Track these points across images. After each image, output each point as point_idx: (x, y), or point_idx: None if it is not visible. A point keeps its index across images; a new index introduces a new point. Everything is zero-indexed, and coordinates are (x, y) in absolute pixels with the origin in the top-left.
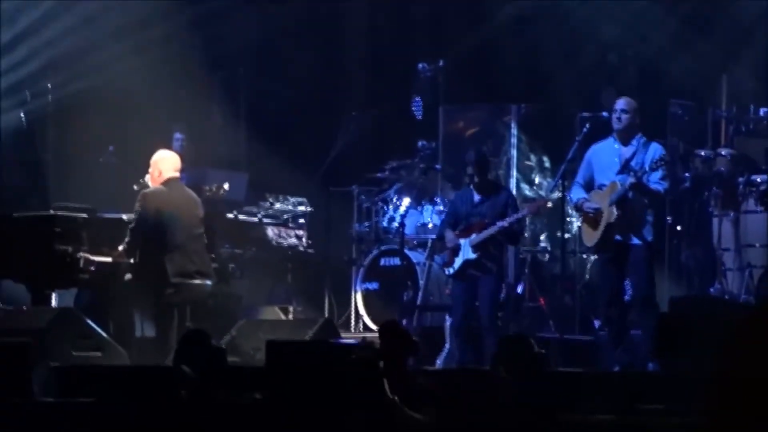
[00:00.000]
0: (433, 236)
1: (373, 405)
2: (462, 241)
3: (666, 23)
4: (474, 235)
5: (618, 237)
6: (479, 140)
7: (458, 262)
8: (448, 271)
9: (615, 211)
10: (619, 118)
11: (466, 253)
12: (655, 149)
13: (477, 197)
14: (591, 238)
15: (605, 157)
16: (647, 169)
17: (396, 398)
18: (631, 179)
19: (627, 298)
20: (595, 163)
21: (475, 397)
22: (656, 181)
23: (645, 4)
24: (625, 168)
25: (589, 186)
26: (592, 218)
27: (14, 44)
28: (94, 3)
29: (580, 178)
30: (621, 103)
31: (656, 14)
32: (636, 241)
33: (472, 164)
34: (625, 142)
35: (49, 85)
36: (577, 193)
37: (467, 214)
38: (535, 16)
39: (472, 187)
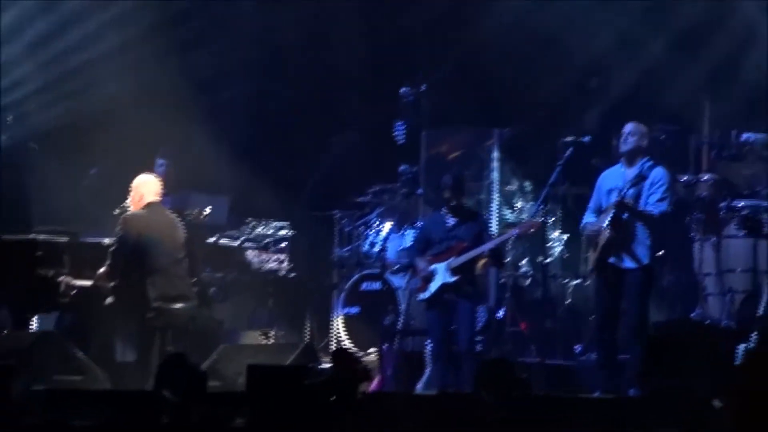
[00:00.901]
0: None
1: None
2: (437, 266)
3: (649, 49)
4: (452, 258)
5: (612, 259)
6: (461, 164)
7: (434, 286)
8: (422, 296)
9: (608, 233)
10: (625, 141)
11: (444, 277)
12: (656, 173)
13: (452, 221)
14: (591, 260)
15: (612, 181)
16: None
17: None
18: (615, 198)
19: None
20: (603, 188)
21: (456, 422)
22: (652, 204)
23: (628, 30)
24: (626, 188)
25: (599, 211)
26: (594, 240)
27: None
28: (76, 27)
29: (592, 203)
30: (628, 127)
31: (639, 39)
32: (629, 263)
33: (448, 188)
34: (630, 165)
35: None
36: (586, 218)
37: (441, 238)
38: (518, 41)
39: (446, 210)
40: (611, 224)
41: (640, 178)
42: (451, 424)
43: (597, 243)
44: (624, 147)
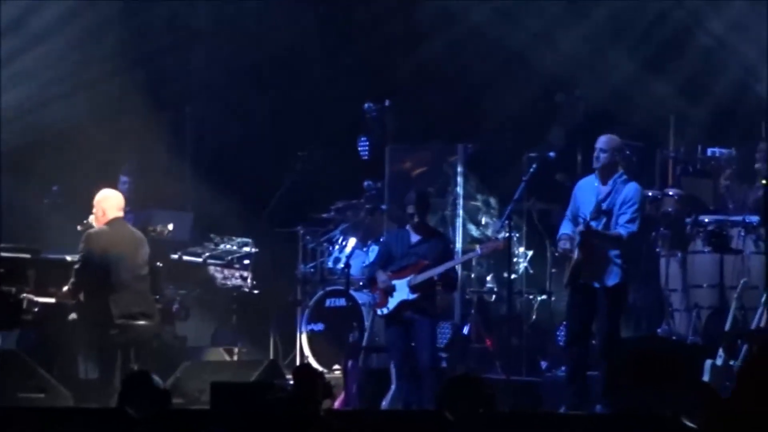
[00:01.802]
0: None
1: None
2: (396, 282)
3: (615, 64)
4: (412, 276)
5: (581, 279)
6: (426, 180)
7: (393, 302)
8: (381, 312)
9: (577, 253)
10: (597, 157)
11: (403, 294)
12: (628, 190)
13: (415, 238)
14: (566, 276)
15: (585, 194)
16: (615, 210)
17: None
18: (581, 227)
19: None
20: (578, 198)
21: None
22: (622, 224)
23: (594, 45)
24: (598, 209)
25: (576, 220)
26: (567, 256)
27: None
28: (38, 44)
29: (568, 211)
30: (600, 142)
31: (604, 55)
32: (596, 284)
33: (412, 204)
34: (604, 181)
35: None
36: (563, 228)
37: (403, 254)
38: (482, 55)
39: (409, 227)
40: (579, 246)
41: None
42: None
43: (570, 259)
44: (596, 164)
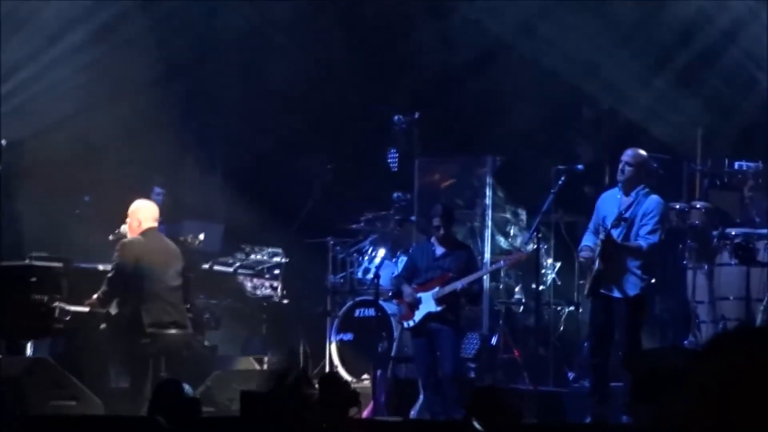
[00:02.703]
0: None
1: None
2: (422, 295)
3: (642, 78)
4: (437, 288)
5: (602, 290)
6: (454, 192)
7: (419, 315)
8: (408, 325)
9: (598, 263)
10: (622, 170)
11: (429, 306)
12: (649, 203)
13: (440, 250)
14: (586, 287)
15: (608, 206)
16: (635, 221)
17: None
18: (602, 236)
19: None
20: (601, 211)
21: None
22: (643, 236)
23: (622, 59)
24: (619, 219)
25: (598, 231)
26: (588, 266)
27: None
28: (68, 53)
29: (591, 224)
30: (626, 155)
31: (633, 70)
32: (617, 294)
33: (438, 216)
34: (627, 192)
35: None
36: (585, 240)
37: (427, 267)
38: (511, 68)
39: (434, 240)
40: (600, 255)
41: (633, 208)
42: None
43: (591, 270)
44: (621, 177)
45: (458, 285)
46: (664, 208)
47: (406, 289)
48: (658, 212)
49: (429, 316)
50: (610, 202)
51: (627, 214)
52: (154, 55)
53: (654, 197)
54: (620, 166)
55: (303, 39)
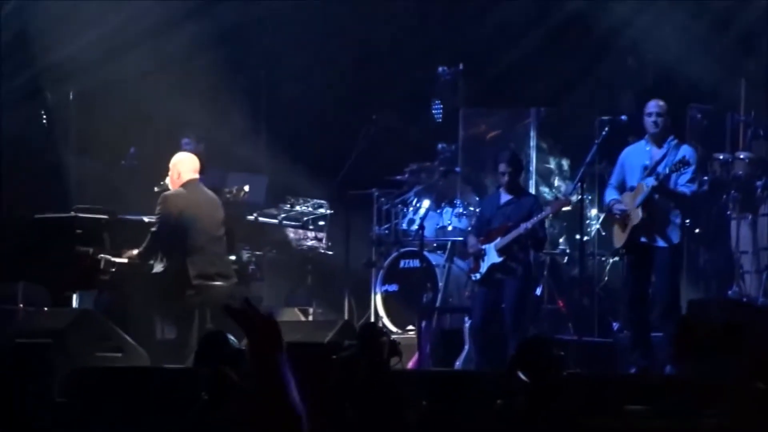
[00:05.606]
0: (453, 238)
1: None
2: (486, 246)
3: (685, 27)
4: (498, 239)
5: (643, 239)
6: (500, 144)
7: (484, 266)
8: (475, 277)
9: (640, 213)
10: (655, 122)
11: (492, 258)
12: (684, 151)
13: (504, 198)
14: (620, 239)
15: (636, 160)
16: (668, 171)
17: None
18: (653, 182)
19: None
20: (627, 166)
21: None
22: (683, 184)
23: (665, 8)
24: (654, 170)
25: (621, 188)
26: (620, 220)
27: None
28: (114, 7)
29: (613, 180)
30: (655, 107)
31: (675, 18)
32: (661, 243)
33: (505, 162)
34: (659, 145)
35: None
36: (609, 195)
37: (491, 216)
38: (554, 20)
39: (500, 188)
40: (643, 205)
41: (668, 158)
42: (486, 401)
43: (625, 224)
44: (655, 129)
45: (516, 233)
46: (699, 156)
47: (471, 240)
48: (694, 161)
49: (493, 267)
50: (637, 157)
51: (661, 166)
52: (202, 8)
53: (686, 146)
54: (651, 119)
55: None
